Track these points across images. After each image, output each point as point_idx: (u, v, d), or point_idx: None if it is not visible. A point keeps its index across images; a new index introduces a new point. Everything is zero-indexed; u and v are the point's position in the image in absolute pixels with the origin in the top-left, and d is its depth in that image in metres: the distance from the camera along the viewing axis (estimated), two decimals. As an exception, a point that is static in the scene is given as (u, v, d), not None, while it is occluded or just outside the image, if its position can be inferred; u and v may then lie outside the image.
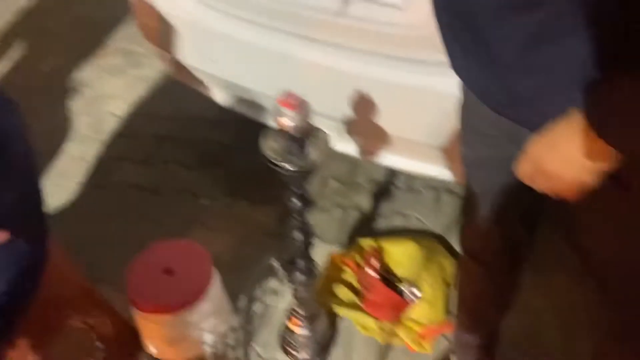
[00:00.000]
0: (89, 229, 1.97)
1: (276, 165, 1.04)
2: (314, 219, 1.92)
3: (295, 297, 1.40)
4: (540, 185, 0.72)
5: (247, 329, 1.62)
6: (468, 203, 1.08)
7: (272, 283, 1.75)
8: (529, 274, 1.21)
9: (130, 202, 2.07)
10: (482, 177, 1.00)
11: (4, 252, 0.90)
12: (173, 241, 1.62)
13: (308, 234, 1.26)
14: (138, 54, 2.95)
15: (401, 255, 1.69)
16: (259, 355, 1.56)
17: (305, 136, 1.07)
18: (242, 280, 1.68)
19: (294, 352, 1.54)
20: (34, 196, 0.97)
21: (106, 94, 2.69)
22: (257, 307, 1.69)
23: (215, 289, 1.53)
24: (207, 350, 1.57)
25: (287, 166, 1.03)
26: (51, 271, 1.14)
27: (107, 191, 2.14)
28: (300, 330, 1.47)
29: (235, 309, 1.68)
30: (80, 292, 1.37)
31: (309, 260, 1.33)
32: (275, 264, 1.25)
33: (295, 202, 1.18)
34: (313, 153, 1.06)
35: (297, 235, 1.26)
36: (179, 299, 1.44)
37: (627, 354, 1.15)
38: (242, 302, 1.69)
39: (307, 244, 1.28)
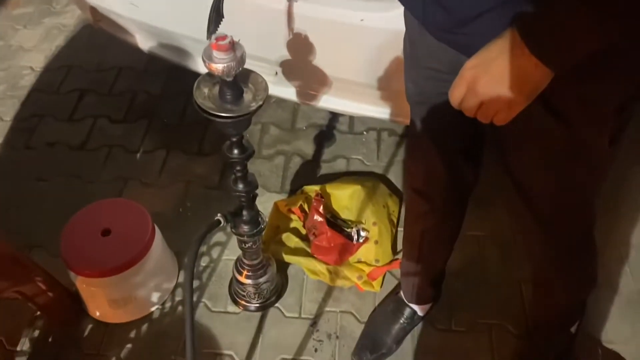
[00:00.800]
0: (15, 192, 1.84)
1: (210, 114, 0.98)
2: (257, 167, 1.88)
3: (242, 248, 1.37)
4: (471, 109, 0.70)
5: (194, 284, 1.58)
6: (412, 139, 1.07)
7: (218, 236, 1.71)
8: (472, 206, 1.23)
9: (58, 161, 1.95)
10: (425, 112, 0.98)
11: None
12: (108, 200, 1.55)
13: (251, 184, 1.22)
14: (52, 2, 2.72)
15: (346, 199, 1.68)
16: (209, 309, 1.54)
17: (239, 81, 1.00)
18: (186, 236, 1.63)
19: (244, 302, 1.52)
20: None
21: (21, 46, 2.47)
22: (203, 262, 1.65)
23: (158, 246, 1.48)
24: (155, 309, 1.54)
25: (223, 114, 0.97)
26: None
27: (31, 151, 1.99)
28: (249, 280, 1.45)
29: (181, 266, 1.64)
30: (9, 261, 1.28)
31: (254, 211, 1.29)
32: (221, 218, 1.20)
33: (235, 152, 1.13)
34: (249, 99, 1.00)
35: (240, 187, 1.21)
36: (120, 260, 1.39)
37: (562, 280, 1.21)
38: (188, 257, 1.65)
39: (251, 195, 1.24)
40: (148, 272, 1.45)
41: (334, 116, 2.06)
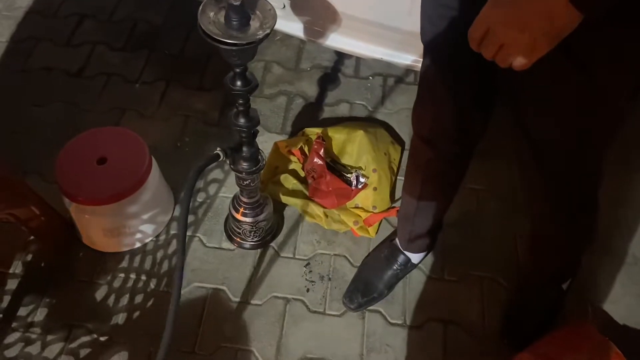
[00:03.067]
0: (10, 117, 1.80)
1: (215, 40, 0.93)
2: (258, 106, 1.84)
3: (240, 185, 1.35)
4: (490, 51, 0.67)
5: (190, 219, 1.58)
6: (423, 84, 1.03)
7: (215, 173, 1.69)
8: (474, 159, 1.21)
9: (55, 86, 1.90)
10: (438, 54, 0.94)
11: None
12: (105, 129, 1.51)
13: (252, 119, 1.19)
14: None
15: (347, 143, 1.65)
16: (204, 244, 1.54)
17: (247, 7, 0.95)
18: (183, 171, 1.61)
19: (239, 240, 1.52)
20: None
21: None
22: (200, 198, 1.64)
23: (154, 178, 1.46)
24: (149, 241, 1.54)
25: (228, 40, 0.92)
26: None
27: (27, 75, 1.94)
28: (245, 218, 1.44)
29: (177, 200, 1.62)
30: (2, 183, 1.26)
31: (254, 147, 1.27)
32: (220, 152, 1.18)
33: (239, 83, 1.09)
34: (256, 27, 0.95)
35: (241, 121, 1.18)
36: (115, 189, 1.37)
37: (560, 239, 1.21)
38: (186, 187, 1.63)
39: (252, 131, 1.21)
40: (143, 203, 1.44)
41: (340, 58, 2.00)
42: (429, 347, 1.39)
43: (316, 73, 1.97)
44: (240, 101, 1.14)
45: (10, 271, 1.47)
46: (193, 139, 1.77)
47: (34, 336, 1.37)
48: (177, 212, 1.59)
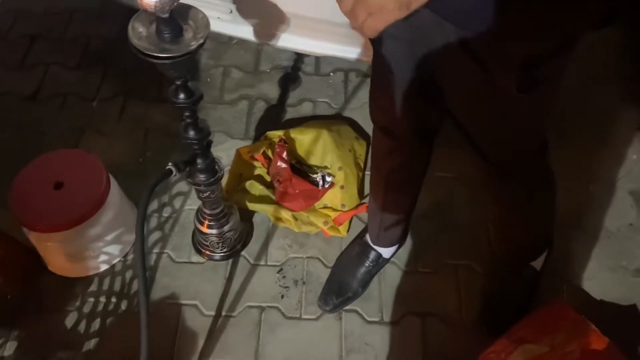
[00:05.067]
0: (-36, 147, 1.75)
1: (148, 55, 0.90)
2: (219, 114, 1.81)
3: (201, 198, 1.32)
4: (345, 10, 0.65)
5: (156, 235, 1.55)
6: (374, 76, 1.02)
7: (179, 186, 1.66)
8: (440, 147, 1.19)
9: (9, 112, 1.85)
10: (382, 48, 0.93)
11: None
12: (59, 152, 1.48)
13: (202, 130, 1.16)
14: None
15: (310, 143, 1.63)
16: (173, 260, 1.51)
17: (177, 17, 0.92)
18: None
19: (208, 252, 1.49)
20: None
21: (-39, -11, 2.30)
22: (166, 212, 1.61)
23: (114, 197, 1.43)
24: (116, 261, 1.50)
25: (161, 54, 0.90)
26: None
27: (-21, 103, 1.89)
28: (211, 230, 1.42)
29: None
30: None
31: (209, 158, 1.24)
32: (172, 167, 1.14)
33: (181, 96, 1.06)
34: (189, 37, 0.92)
35: (191, 134, 1.15)
36: (74, 213, 1.34)
37: (519, 217, 1.21)
38: (150, 208, 1.60)
39: (204, 142, 1.18)
40: (105, 224, 1.41)
41: (299, 57, 1.97)
42: (409, 342, 1.37)
43: (276, 74, 1.94)
44: (187, 113, 1.11)
45: (-25, 307, 1.44)
46: (155, 152, 1.73)
47: (4, 371, 1.34)
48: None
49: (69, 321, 1.41)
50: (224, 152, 1.71)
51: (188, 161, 1.21)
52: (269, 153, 1.63)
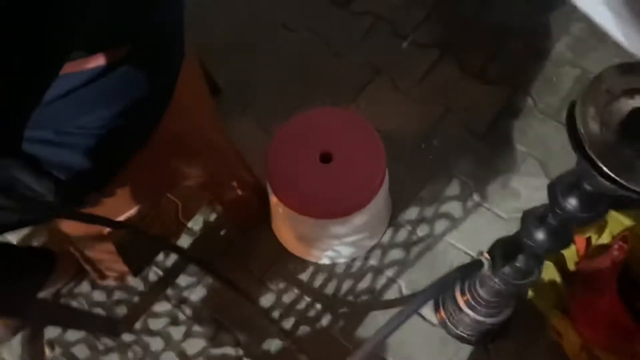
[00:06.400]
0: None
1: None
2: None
3: (491, 288, 0.91)
4: None
5: (395, 254, 1.21)
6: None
7: (451, 206, 1.25)
8: None
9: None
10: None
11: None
12: (328, 109, 1.17)
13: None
14: None
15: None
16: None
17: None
18: (417, 184, 1.20)
19: (447, 320, 1.12)
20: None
21: None
22: (421, 230, 1.23)
23: (384, 190, 1.09)
24: (341, 262, 1.22)
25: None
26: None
27: None
28: (469, 311, 1.02)
29: (392, 221, 1.24)
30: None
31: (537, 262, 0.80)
32: (485, 260, 0.75)
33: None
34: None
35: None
36: (344, 203, 1.02)
37: None
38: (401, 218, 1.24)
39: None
40: (357, 225, 1.07)
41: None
42: None
43: None
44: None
45: (189, 225, 1.28)
46: (443, 144, 1.32)
47: (182, 317, 1.18)
48: (386, 237, 1.22)
49: (264, 301, 1.18)
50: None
51: (506, 256, 0.79)
52: (596, 239, 1.12)
